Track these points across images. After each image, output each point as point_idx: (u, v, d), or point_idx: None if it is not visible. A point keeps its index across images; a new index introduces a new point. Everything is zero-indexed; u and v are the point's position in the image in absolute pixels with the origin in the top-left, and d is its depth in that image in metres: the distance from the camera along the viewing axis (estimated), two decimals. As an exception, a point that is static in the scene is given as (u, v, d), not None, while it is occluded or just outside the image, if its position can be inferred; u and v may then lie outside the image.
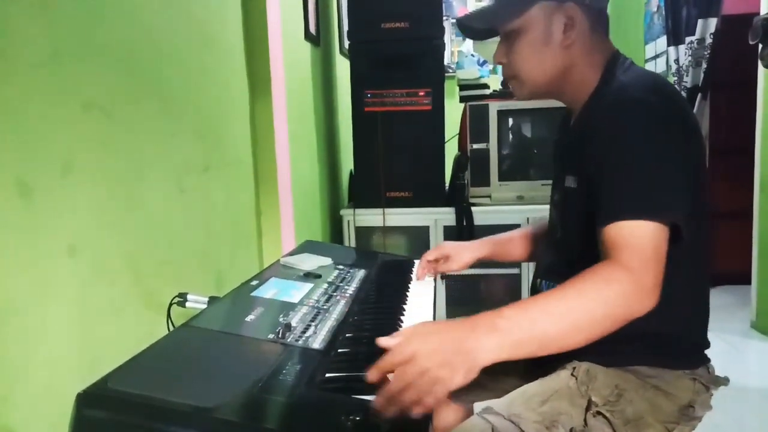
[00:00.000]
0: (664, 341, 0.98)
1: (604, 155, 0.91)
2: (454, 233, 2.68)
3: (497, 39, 1.10)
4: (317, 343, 0.89)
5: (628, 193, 0.87)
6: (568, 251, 1.08)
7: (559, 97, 1.09)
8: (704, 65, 3.04)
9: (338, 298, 1.12)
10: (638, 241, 0.83)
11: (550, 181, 1.19)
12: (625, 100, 0.93)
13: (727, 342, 2.77)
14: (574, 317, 0.80)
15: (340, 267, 1.33)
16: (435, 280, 1.34)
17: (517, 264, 2.62)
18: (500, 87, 2.98)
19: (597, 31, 1.03)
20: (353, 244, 2.74)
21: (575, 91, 1.04)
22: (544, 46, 1.01)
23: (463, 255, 1.32)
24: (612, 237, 0.85)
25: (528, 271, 2.61)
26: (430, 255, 1.34)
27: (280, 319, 0.96)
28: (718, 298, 3.43)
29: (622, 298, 0.81)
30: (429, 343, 0.73)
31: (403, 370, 0.71)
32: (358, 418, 0.66)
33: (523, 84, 1.06)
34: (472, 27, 1.12)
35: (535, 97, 1.10)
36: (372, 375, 0.73)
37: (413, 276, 1.36)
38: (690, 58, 3.12)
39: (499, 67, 1.14)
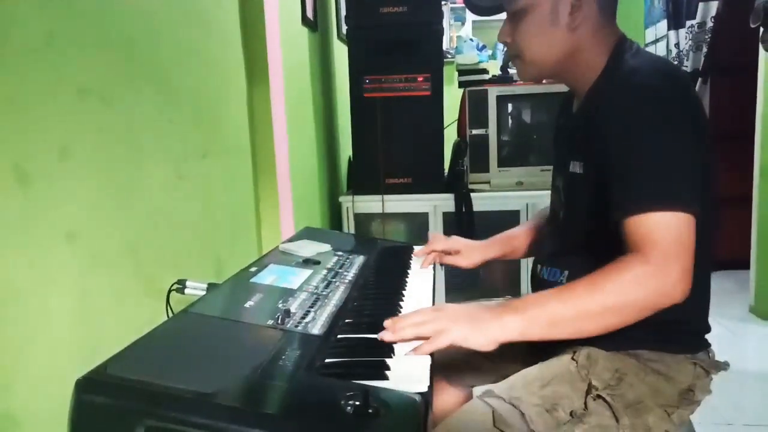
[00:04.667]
0: (666, 326, 0.97)
1: (620, 144, 0.90)
2: (453, 219, 2.68)
3: (498, 23, 1.09)
4: (317, 329, 0.89)
5: (649, 183, 0.86)
6: (570, 236, 1.07)
7: (564, 79, 1.07)
8: (705, 49, 3.03)
9: (337, 284, 1.12)
10: (659, 231, 0.83)
11: (550, 167, 1.17)
12: (638, 86, 0.92)
13: (726, 327, 2.78)
14: (586, 304, 0.84)
15: (339, 253, 1.33)
16: (434, 266, 1.34)
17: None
18: (499, 72, 2.96)
19: (605, 15, 1.01)
20: (352, 230, 2.74)
21: (581, 74, 1.03)
22: (551, 26, 0.99)
23: (473, 254, 1.30)
24: (634, 228, 0.85)
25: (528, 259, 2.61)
26: (438, 245, 1.31)
27: (280, 305, 0.95)
28: (717, 283, 3.39)
29: (639, 285, 0.82)
30: (452, 309, 0.87)
31: (422, 311, 0.86)
32: (357, 403, 0.65)
33: (527, 64, 1.05)
34: (479, 3, 1.10)
35: (538, 79, 1.09)
36: (388, 322, 0.85)
37: (413, 262, 1.36)
38: (690, 42, 3.11)
39: (498, 53, 1.13)
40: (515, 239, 1.33)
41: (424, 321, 0.83)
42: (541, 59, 1.03)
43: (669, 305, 0.83)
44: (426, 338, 0.82)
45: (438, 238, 1.34)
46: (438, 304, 0.88)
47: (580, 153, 1.02)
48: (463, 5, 1.22)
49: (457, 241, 1.32)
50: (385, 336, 0.82)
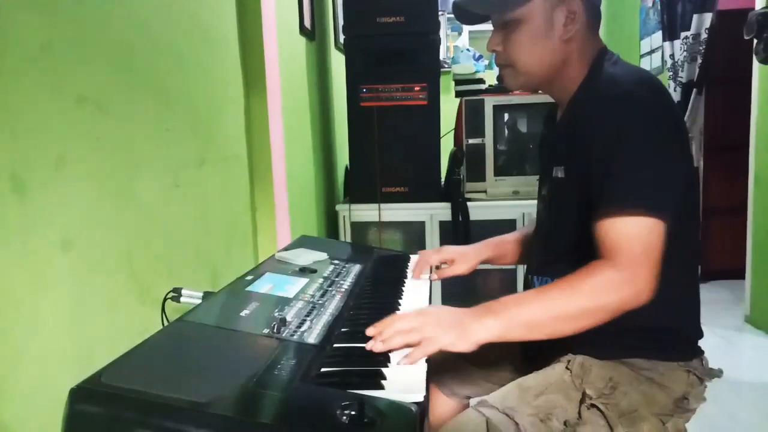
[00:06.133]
0: (658, 334, 0.98)
1: (600, 150, 0.91)
2: (449, 228, 2.68)
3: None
4: (312, 338, 0.89)
5: (624, 189, 0.88)
6: (557, 244, 1.07)
7: (549, 89, 1.09)
8: (699, 60, 3.04)
9: (334, 293, 1.12)
10: (628, 237, 0.86)
11: (542, 177, 1.18)
12: (618, 94, 0.94)
13: (722, 336, 2.78)
14: (563, 307, 0.86)
15: (336, 262, 1.33)
16: (431, 276, 1.34)
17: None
18: (496, 82, 2.98)
19: (591, 28, 1.04)
20: (349, 239, 2.74)
21: (565, 84, 1.04)
22: (544, 37, 1.01)
23: (468, 259, 1.30)
24: (605, 233, 0.88)
25: (523, 266, 2.62)
26: (433, 260, 1.31)
27: (275, 314, 0.95)
28: (713, 293, 3.46)
29: (611, 290, 0.85)
30: (435, 314, 0.87)
31: (406, 317, 0.86)
32: (353, 413, 0.65)
33: (517, 74, 1.06)
34: (467, 11, 1.09)
35: (526, 88, 1.10)
36: (371, 330, 0.86)
37: (409, 272, 1.36)
38: (685, 53, 3.13)
39: (495, 63, 1.13)
40: (507, 244, 1.33)
41: (412, 328, 0.84)
42: (533, 69, 1.04)
43: (637, 307, 0.86)
44: (415, 345, 0.82)
45: (428, 255, 1.33)
46: (421, 309, 0.89)
47: (563, 159, 1.04)
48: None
49: (447, 251, 1.32)
50: (375, 347, 0.83)
